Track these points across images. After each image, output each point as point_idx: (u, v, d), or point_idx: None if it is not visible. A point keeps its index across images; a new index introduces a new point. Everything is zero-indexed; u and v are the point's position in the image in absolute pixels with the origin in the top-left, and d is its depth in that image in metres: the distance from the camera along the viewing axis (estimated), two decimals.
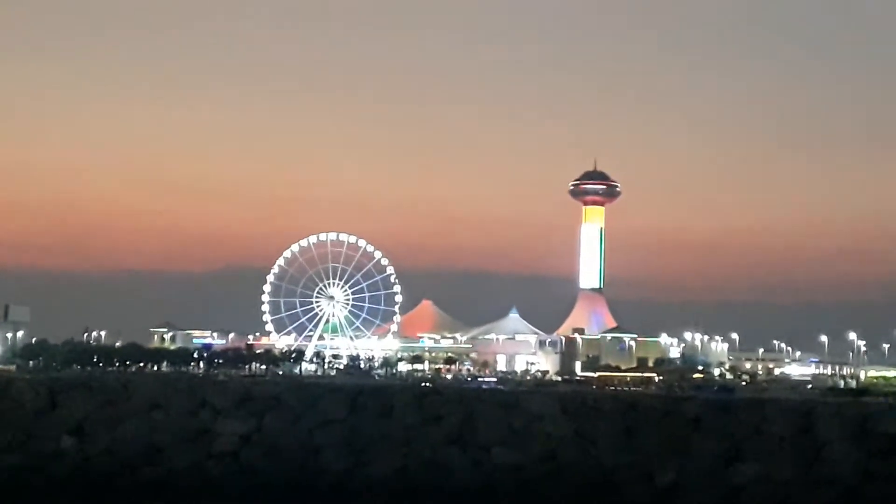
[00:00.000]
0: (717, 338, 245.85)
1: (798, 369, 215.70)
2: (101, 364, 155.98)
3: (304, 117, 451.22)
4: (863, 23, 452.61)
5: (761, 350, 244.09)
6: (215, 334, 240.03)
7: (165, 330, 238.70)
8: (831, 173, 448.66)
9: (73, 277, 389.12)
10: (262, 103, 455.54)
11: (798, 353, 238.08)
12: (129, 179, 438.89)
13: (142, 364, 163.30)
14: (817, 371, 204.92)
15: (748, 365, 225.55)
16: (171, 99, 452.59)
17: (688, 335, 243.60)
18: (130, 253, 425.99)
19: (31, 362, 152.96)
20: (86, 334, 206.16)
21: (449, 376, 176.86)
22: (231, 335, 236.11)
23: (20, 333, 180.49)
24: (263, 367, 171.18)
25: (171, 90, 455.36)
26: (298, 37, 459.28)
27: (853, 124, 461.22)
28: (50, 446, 66.76)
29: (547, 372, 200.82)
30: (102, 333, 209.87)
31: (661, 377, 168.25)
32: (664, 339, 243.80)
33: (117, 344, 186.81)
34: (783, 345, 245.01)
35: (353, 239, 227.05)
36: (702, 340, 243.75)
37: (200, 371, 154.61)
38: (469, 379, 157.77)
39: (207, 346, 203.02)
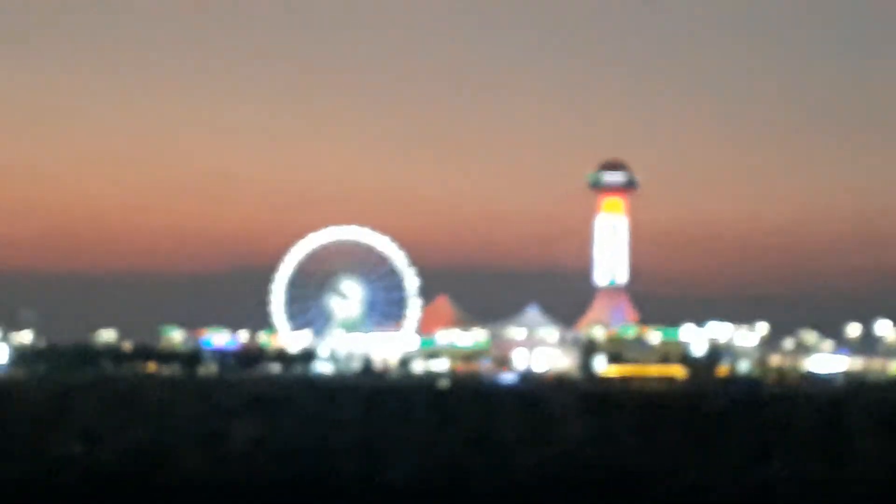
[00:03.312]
0: (743, 331, 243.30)
1: (827, 361, 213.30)
2: (110, 366, 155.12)
3: (315, 112, 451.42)
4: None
5: (790, 342, 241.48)
6: (226, 334, 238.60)
7: (175, 330, 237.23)
8: (865, 160, 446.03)
9: (80, 279, 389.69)
10: (272, 98, 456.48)
11: (828, 345, 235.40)
12: (137, 179, 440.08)
13: (152, 365, 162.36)
14: (847, 363, 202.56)
15: (776, 358, 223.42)
16: (177, 96, 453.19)
17: (713, 329, 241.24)
18: (139, 253, 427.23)
19: (39, 365, 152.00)
20: (94, 336, 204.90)
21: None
22: (242, 335, 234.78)
23: (28, 337, 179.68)
24: (277, 367, 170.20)
25: (175, 87, 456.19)
26: (306, 30, 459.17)
27: (889, 109, 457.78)
28: (59, 451, 65.48)
29: (567, 368, 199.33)
30: (111, 335, 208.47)
31: (685, 372, 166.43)
32: (688, 333, 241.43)
33: (126, 345, 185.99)
34: (812, 337, 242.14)
35: (368, 235, 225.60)
36: (728, 334, 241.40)
37: (212, 372, 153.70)
38: (488, 376, 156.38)
39: (219, 348, 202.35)
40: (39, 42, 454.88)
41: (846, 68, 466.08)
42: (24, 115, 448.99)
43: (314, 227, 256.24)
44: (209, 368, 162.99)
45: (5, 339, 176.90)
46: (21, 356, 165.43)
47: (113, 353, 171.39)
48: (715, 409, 66.06)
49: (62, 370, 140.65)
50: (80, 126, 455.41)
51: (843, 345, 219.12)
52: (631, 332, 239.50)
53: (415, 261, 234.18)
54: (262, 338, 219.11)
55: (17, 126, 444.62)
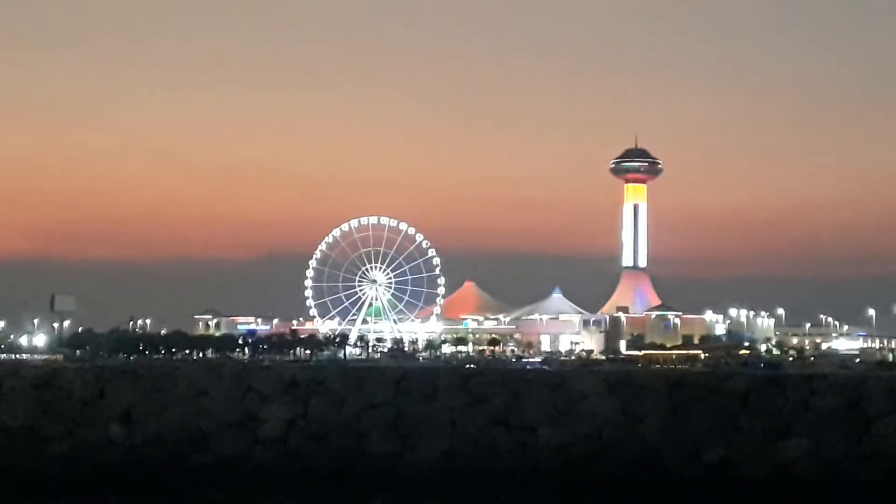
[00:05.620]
0: (763, 313, 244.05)
1: (846, 343, 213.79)
2: (146, 352, 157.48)
3: (341, 99, 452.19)
4: None
5: (808, 325, 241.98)
6: (259, 320, 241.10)
7: (209, 317, 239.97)
8: (880, 145, 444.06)
9: (116, 266, 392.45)
10: (300, 85, 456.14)
11: (846, 328, 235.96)
12: (169, 166, 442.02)
13: (187, 351, 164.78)
14: (865, 345, 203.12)
15: (795, 340, 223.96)
16: (210, 84, 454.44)
17: (733, 311, 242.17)
18: (173, 240, 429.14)
19: (77, 351, 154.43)
20: (131, 322, 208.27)
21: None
22: (275, 321, 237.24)
23: (66, 323, 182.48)
24: (308, 351, 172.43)
25: (208, 75, 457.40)
26: (331, 17, 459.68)
27: None
28: (98, 435, 67.09)
29: (591, 351, 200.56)
30: (147, 321, 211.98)
31: (706, 354, 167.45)
32: (709, 316, 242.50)
33: (162, 332, 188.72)
34: (830, 319, 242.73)
35: (394, 222, 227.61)
36: (748, 316, 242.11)
37: (245, 357, 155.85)
38: (514, 360, 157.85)
39: (252, 333, 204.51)
40: (72, 28, 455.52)
41: (869, 58, 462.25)
42: (57, 106, 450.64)
43: (346, 215, 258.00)
44: (243, 353, 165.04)
45: (43, 325, 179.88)
46: (58, 341, 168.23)
47: (149, 339, 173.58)
48: (736, 389, 67.13)
49: (99, 355, 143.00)
50: (114, 116, 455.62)
51: (861, 328, 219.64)
52: (653, 314, 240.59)
53: (441, 247, 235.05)
54: (295, 324, 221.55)
55: (52, 117, 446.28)
